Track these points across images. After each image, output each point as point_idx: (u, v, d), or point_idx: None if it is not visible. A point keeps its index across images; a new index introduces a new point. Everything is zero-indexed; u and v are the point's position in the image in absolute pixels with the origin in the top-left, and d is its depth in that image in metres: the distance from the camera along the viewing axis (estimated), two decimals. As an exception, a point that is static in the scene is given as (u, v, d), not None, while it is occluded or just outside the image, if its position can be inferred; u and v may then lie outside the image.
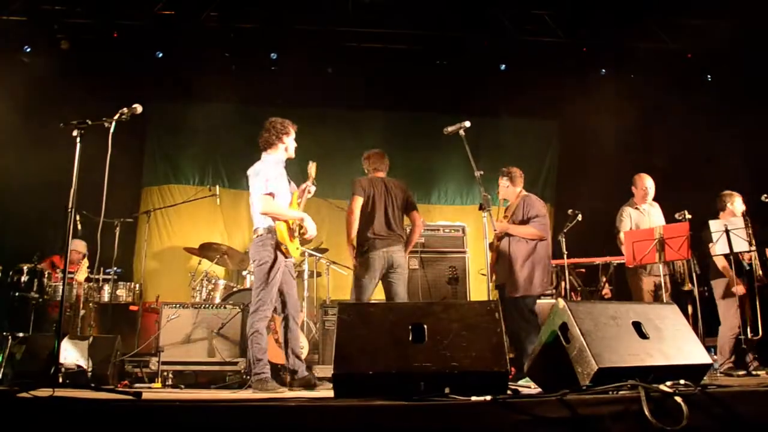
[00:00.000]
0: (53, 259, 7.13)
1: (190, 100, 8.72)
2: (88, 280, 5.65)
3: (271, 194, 4.73)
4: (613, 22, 8.60)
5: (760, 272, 5.97)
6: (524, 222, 5.60)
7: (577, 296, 7.11)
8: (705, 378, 3.35)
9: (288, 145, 5.00)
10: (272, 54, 8.61)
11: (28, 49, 8.01)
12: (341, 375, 2.80)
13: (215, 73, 8.38)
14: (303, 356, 5.19)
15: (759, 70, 8.19)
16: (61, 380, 4.03)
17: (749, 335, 5.98)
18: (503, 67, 9.11)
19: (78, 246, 7.21)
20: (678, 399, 2.59)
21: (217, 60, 8.49)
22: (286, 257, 4.82)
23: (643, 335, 3.15)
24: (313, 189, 5.11)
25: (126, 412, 2.39)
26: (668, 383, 2.74)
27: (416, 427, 2.43)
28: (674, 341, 3.20)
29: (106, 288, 6.22)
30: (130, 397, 2.74)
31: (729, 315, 6.11)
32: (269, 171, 4.81)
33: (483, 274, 6.17)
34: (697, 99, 8.88)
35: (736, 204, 6.34)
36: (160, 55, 8.47)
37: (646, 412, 2.52)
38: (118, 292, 6.29)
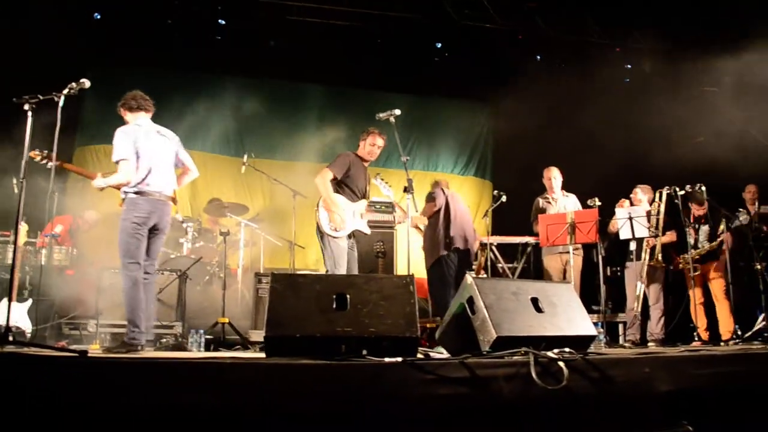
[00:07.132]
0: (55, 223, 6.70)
1: (128, 65, 8.60)
2: (25, 244, 5.73)
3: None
4: (552, 13, 9.09)
5: (659, 256, 6.56)
6: None
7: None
8: (591, 347, 3.85)
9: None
10: (220, 20, 8.66)
11: None
12: (272, 337, 3.14)
13: (156, 39, 8.39)
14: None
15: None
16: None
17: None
18: (439, 47, 9.53)
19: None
20: (561, 364, 3.07)
21: (159, 25, 8.48)
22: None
23: (539, 309, 3.61)
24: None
25: (76, 367, 2.66)
26: (555, 351, 3.21)
27: (337, 383, 2.82)
28: (566, 315, 3.69)
29: (43, 252, 6.24)
30: (75, 355, 2.99)
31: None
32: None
33: None
34: (622, 90, 9.46)
35: (639, 196, 6.94)
36: (98, 16, 8.38)
37: (533, 375, 2.99)
38: (55, 256, 6.33)
